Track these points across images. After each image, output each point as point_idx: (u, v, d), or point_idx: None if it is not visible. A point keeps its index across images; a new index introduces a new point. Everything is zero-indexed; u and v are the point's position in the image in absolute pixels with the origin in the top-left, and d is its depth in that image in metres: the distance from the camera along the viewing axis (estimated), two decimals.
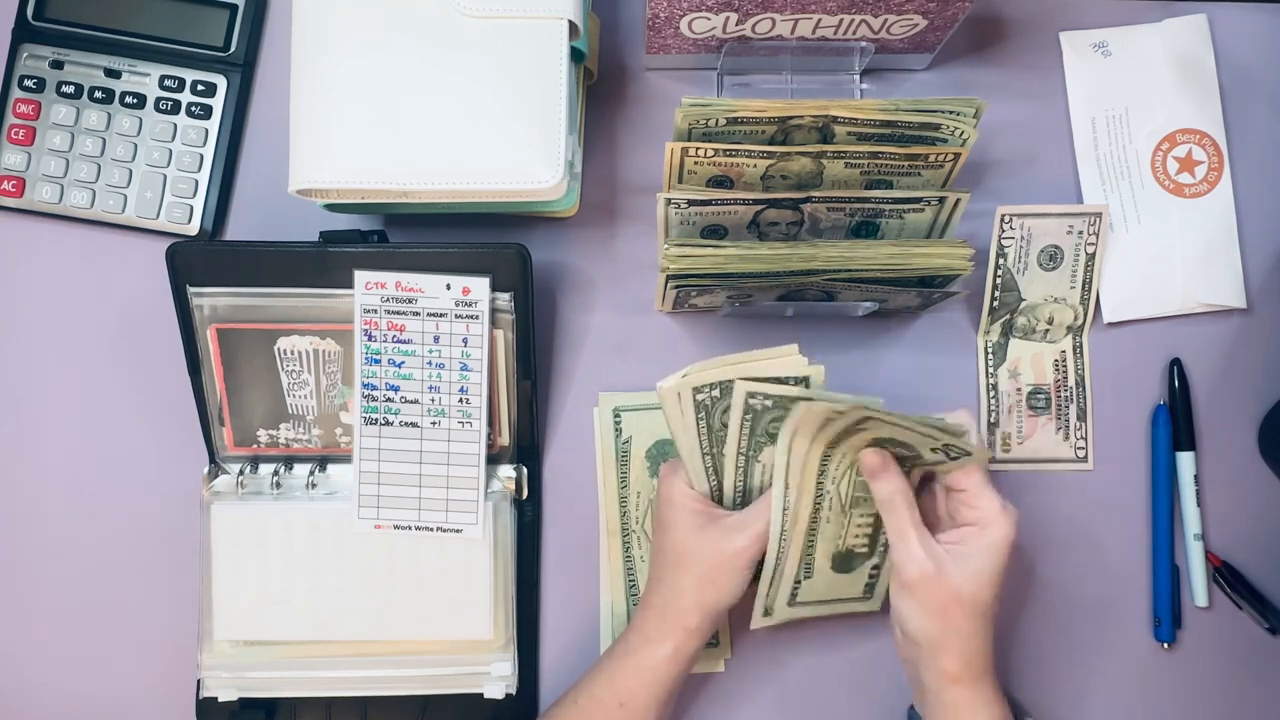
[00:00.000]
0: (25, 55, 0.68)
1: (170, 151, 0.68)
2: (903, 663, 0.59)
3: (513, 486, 0.66)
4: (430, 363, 0.63)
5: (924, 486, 0.58)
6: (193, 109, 0.68)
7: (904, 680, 0.61)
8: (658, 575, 0.59)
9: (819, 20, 0.61)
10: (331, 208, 0.64)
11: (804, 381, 0.56)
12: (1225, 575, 0.67)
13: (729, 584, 0.57)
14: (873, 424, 0.53)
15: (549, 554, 0.67)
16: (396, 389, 0.63)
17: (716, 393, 0.56)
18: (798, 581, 0.59)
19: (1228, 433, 0.69)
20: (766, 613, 0.60)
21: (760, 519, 0.56)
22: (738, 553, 0.56)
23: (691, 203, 0.58)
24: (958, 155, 0.59)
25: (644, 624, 0.59)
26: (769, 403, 0.55)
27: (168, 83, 0.67)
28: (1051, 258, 0.67)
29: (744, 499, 0.59)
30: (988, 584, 0.54)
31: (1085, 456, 0.68)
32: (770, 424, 0.56)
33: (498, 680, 0.64)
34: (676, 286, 0.60)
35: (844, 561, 0.59)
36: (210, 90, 0.68)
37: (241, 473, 0.65)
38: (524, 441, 0.67)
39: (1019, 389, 0.68)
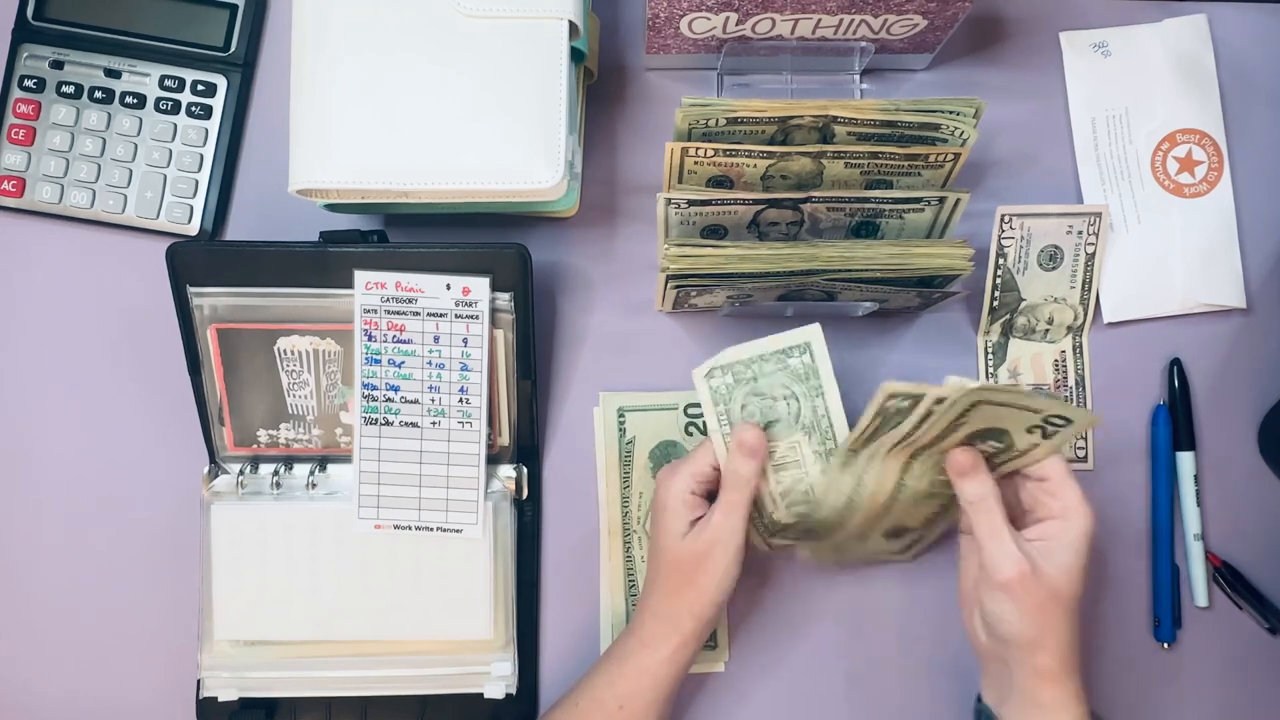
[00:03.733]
0: (25, 55, 0.68)
1: (170, 151, 0.68)
2: (981, 661, 0.59)
3: (513, 486, 0.66)
4: (430, 363, 0.63)
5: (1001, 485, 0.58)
6: (193, 109, 0.68)
7: (901, 680, 0.61)
8: (653, 579, 0.59)
9: (819, 20, 0.61)
10: (331, 208, 0.64)
11: (804, 348, 0.57)
12: (1225, 575, 0.67)
13: (707, 585, 0.57)
14: (976, 413, 0.52)
15: (549, 554, 0.67)
16: (396, 389, 0.63)
17: (730, 379, 0.57)
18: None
19: (1228, 433, 0.69)
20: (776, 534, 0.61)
21: (724, 514, 0.57)
22: (705, 551, 0.57)
23: (691, 203, 0.58)
24: (958, 155, 0.59)
25: (640, 627, 0.59)
26: (906, 403, 0.53)
27: (168, 83, 0.67)
28: (1051, 258, 0.67)
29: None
30: (1077, 578, 0.54)
31: (1085, 456, 0.68)
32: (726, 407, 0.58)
33: (498, 680, 0.64)
34: (676, 286, 0.60)
35: (896, 533, 0.62)
36: (210, 90, 0.68)
37: (241, 473, 0.65)
38: (524, 441, 0.67)
39: None
